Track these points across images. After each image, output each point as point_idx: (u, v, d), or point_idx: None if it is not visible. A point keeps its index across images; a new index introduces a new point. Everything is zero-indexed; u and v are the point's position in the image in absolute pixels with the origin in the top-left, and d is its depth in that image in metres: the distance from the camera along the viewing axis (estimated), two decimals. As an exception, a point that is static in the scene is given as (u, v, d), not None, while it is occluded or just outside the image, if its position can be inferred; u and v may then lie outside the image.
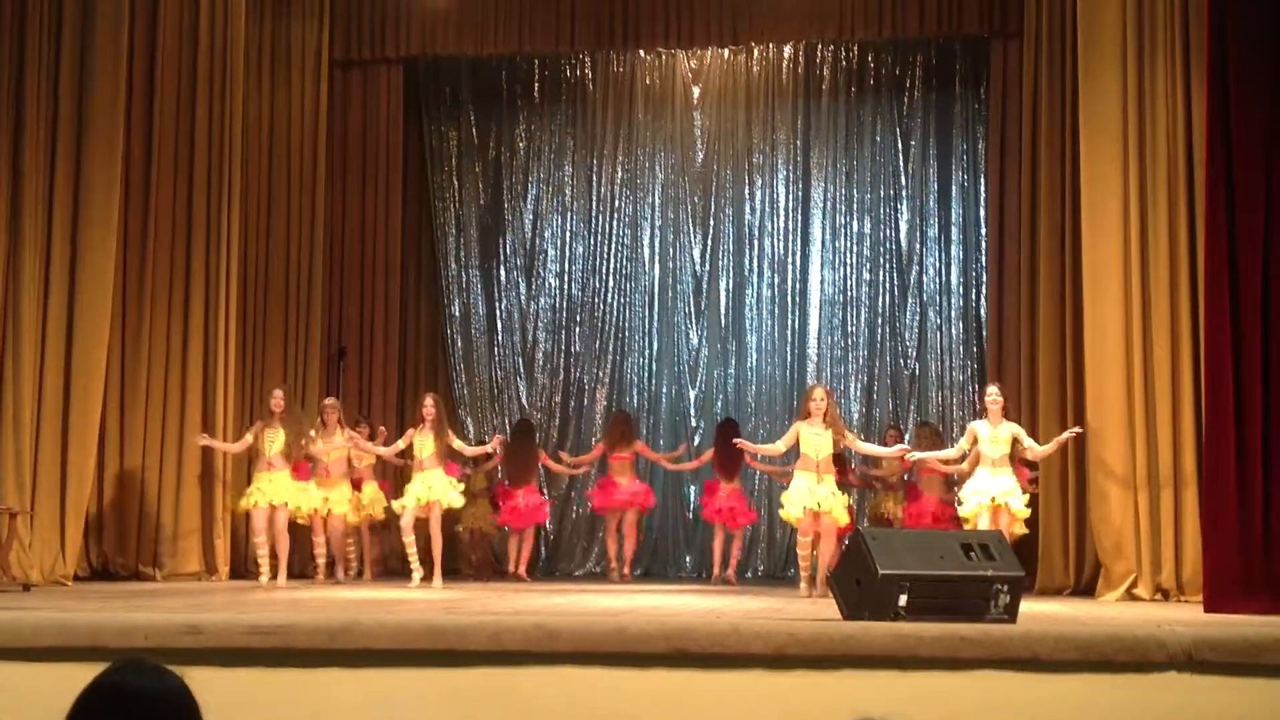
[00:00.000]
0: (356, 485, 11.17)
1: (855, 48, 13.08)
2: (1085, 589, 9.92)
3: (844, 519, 9.55)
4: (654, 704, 4.87)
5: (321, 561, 10.75)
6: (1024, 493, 9.43)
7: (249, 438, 10.51)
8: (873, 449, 10.63)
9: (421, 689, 4.92)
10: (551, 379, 13.59)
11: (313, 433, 10.59)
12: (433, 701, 4.91)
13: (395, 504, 10.52)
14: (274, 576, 10.19)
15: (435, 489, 10.18)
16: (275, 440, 10.31)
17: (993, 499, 9.10)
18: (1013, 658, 4.85)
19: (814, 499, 9.34)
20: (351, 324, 12.78)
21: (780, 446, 9.85)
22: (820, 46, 13.14)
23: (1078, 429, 9.54)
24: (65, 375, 10.03)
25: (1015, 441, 9.35)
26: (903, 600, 5.83)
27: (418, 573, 10.15)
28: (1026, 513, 9.34)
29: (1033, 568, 10.10)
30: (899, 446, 10.49)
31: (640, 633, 4.99)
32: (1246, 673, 4.82)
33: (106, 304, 10.20)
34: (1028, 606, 6.61)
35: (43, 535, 9.79)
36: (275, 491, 10.20)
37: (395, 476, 11.80)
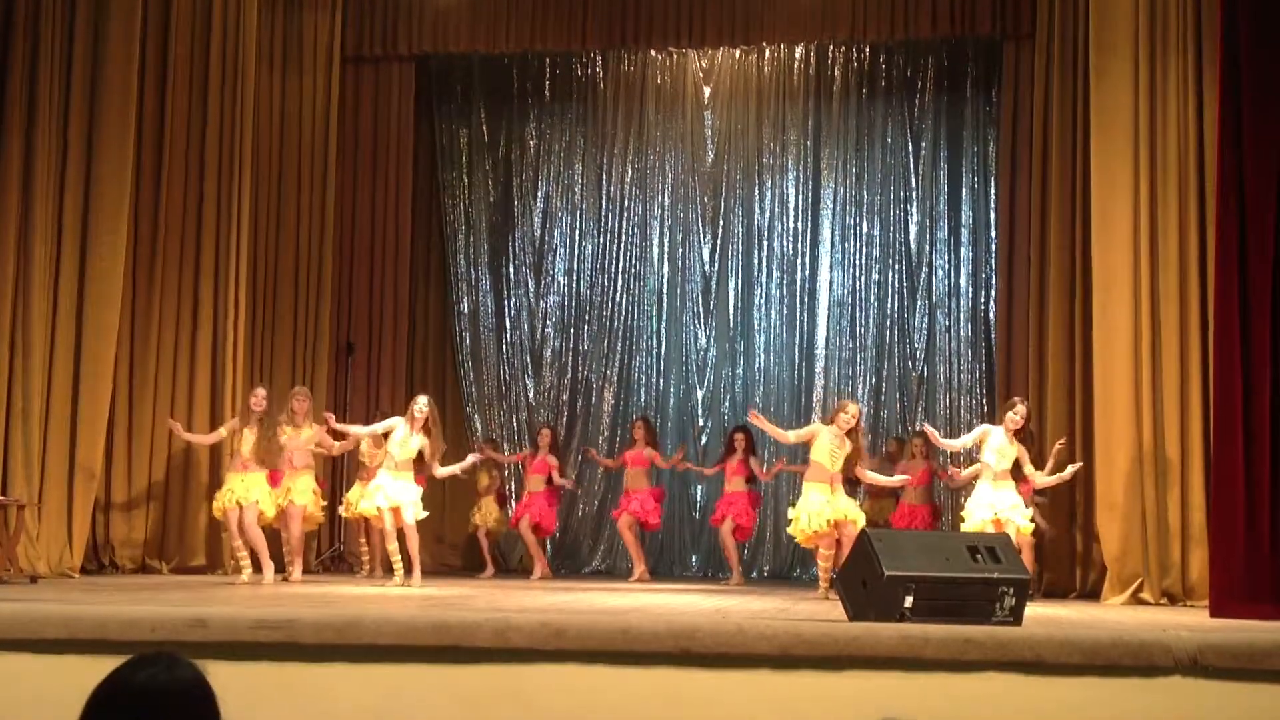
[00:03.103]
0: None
1: (867, 49, 13.07)
2: (1091, 593, 9.92)
3: (862, 522, 9.30)
4: (659, 703, 4.87)
5: (292, 557, 10.35)
6: (1027, 505, 9.39)
7: (223, 432, 10.27)
8: (879, 479, 10.27)
9: (427, 685, 4.93)
10: (559, 377, 13.60)
11: (280, 421, 10.16)
12: (438, 698, 4.91)
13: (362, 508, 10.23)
14: (257, 571, 9.89)
15: (404, 493, 9.75)
16: (249, 440, 10.02)
17: (995, 514, 9.01)
18: (1017, 660, 4.84)
19: (834, 511, 9.18)
20: (360, 320, 12.81)
21: (790, 437, 9.62)
22: (832, 47, 13.12)
23: (1077, 465, 9.46)
24: (74, 368, 10.06)
25: (1018, 464, 9.22)
26: (908, 602, 5.83)
27: (399, 573, 9.82)
28: (1030, 528, 9.28)
29: (1039, 571, 10.10)
30: (900, 478, 10.48)
31: (646, 631, 4.99)
32: (1252, 678, 4.82)
33: (116, 298, 10.23)
34: (1033, 609, 6.61)
35: (50, 527, 9.82)
36: (245, 490, 9.91)
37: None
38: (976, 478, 9.42)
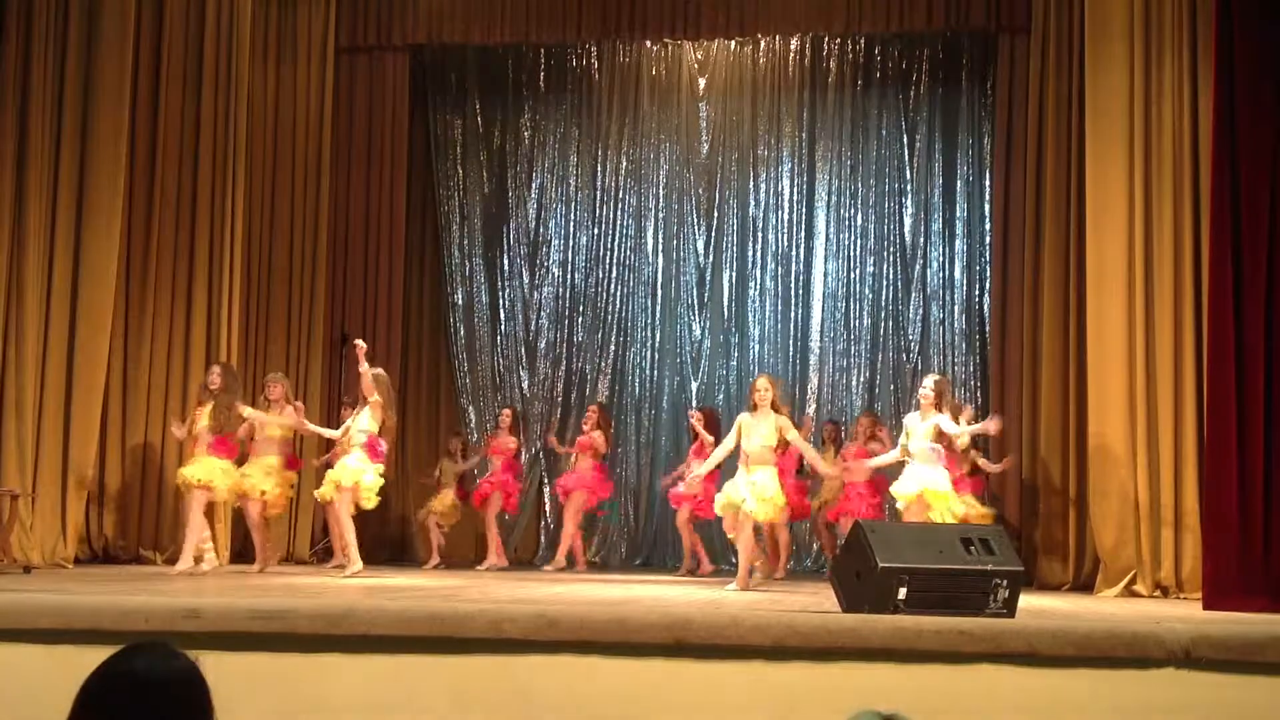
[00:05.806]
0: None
1: (862, 41, 13.07)
2: (1084, 585, 9.93)
3: (763, 514, 8.94)
4: (653, 694, 4.87)
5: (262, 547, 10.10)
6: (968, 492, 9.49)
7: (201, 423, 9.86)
8: (811, 455, 9.79)
9: (421, 675, 4.93)
10: (553, 369, 13.60)
11: (240, 404, 9.80)
12: (432, 688, 4.92)
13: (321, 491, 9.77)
14: (198, 562, 9.50)
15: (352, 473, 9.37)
16: (204, 418, 9.72)
17: (920, 493, 8.96)
18: (1011, 652, 4.85)
19: (735, 493, 8.87)
20: (355, 311, 12.79)
21: (728, 443, 9.16)
22: (827, 39, 13.13)
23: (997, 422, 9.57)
24: (68, 358, 10.05)
25: (940, 433, 9.09)
26: (902, 593, 5.84)
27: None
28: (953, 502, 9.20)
29: (1032, 563, 10.12)
30: (827, 470, 10.14)
31: (640, 623, 4.99)
32: (1245, 670, 4.83)
33: (110, 288, 10.22)
34: (1026, 601, 6.61)
35: (44, 518, 9.82)
36: (194, 472, 9.59)
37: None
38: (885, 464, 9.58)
